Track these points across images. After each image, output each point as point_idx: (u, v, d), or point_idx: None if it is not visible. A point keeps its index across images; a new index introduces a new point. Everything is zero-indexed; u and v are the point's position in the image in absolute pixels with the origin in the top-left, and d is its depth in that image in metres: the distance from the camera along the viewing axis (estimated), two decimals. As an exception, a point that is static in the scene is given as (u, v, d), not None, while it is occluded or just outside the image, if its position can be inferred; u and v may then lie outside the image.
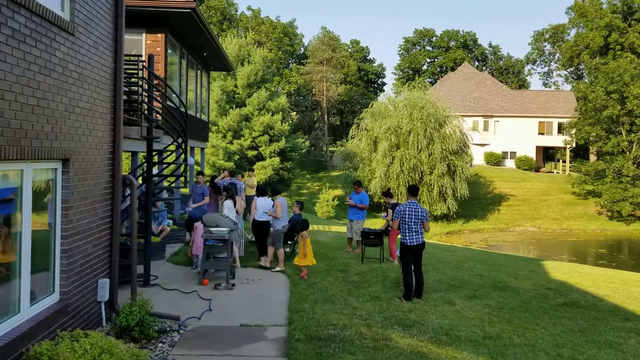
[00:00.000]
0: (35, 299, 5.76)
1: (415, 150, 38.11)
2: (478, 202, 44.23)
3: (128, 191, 9.94)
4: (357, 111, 52.32)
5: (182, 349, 6.87)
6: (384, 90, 78.33)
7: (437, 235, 36.10)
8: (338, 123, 62.83)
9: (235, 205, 12.09)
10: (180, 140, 10.48)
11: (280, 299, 9.27)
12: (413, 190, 9.98)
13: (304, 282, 10.57)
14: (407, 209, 9.62)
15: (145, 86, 9.99)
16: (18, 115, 5.05)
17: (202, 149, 21.58)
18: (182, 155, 10.73)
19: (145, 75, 10.17)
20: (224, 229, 10.12)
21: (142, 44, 14.12)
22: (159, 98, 11.06)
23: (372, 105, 42.03)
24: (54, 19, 5.69)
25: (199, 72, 19.52)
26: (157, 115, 10.75)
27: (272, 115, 31.85)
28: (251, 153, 32.26)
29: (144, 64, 9.91)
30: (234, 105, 31.42)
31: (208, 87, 21.91)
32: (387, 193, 14.16)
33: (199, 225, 11.52)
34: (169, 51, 15.03)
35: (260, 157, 32.53)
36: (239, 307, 8.81)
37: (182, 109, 11.79)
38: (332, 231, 19.34)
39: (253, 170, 19.25)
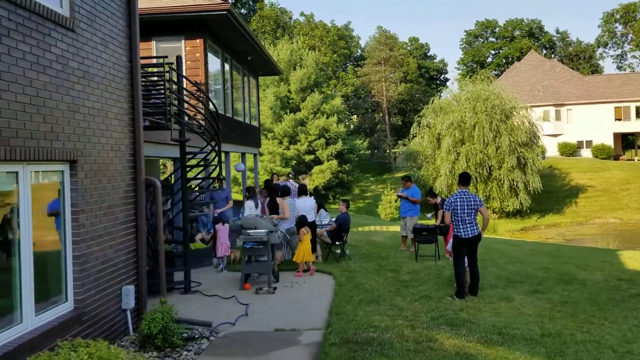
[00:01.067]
0: (43, 308, 5.49)
1: (481, 144, 36.50)
2: (554, 195, 41.85)
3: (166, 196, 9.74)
4: (419, 110, 51.13)
5: (208, 356, 6.44)
6: (446, 87, 76.38)
7: (510, 232, 34.35)
8: (400, 123, 61.60)
9: (257, 207, 11.77)
10: (213, 143, 10.13)
11: (323, 302, 8.71)
12: (464, 179, 9.16)
13: (350, 283, 9.96)
14: (457, 199, 8.84)
15: (174, 87, 9.71)
16: (4, 113, 4.78)
17: (255, 155, 21.41)
18: (216, 159, 10.37)
19: (175, 77, 9.93)
20: (263, 230, 9.68)
21: (182, 50, 14.03)
22: (190, 101, 10.77)
23: (432, 101, 40.74)
24: (48, 14, 5.43)
25: (245, 77, 19.36)
26: (190, 119, 10.44)
27: (327, 117, 31.40)
28: (308, 157, 31.93)
29: (173, 66, 9.65)
30: (288, 111, 31.23)
31: (257, 92, 21.75)
32: (431, 193, 13.29)
33: (220, 227, 11.22)
34: (210, 56, 14.89)
35: (317, 161, 32.14)
36: (277, 311, 8.33)
37: (214, 110, 11.43)
38: (389, 231, 18.58)
39: (306, 173, 18.81)
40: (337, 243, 12.29)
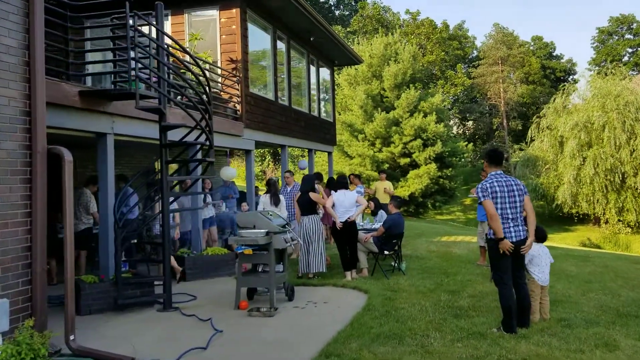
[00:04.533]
0: None
1: (612, 147, 31.15)
2: None
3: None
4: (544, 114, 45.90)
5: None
6: (576, 89, 68.99)
7: (648, 251, 28.80)
8: (520, 127, 56.05)
9: (275, 202, 9.38)
10: (204, 124, 7.72)
11: (327, 334, 6.04)
12: (495, 157, 6.15)
13: (384, 307, 7.17)
14: (495, 182, 5.87)
15: (154, 50, 7.54)
16: None
17: (329, 153, 18.98)
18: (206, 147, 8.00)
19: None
20: (261, 231, 7.20)
21: (217, 22, 12.03)
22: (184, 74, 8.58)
23: (554, 100, 35.92)
24: None
25: (313, 64, 17.07)
26: (181, 94, 8.19)
27: (425, 116, 28.18)
28: (403, 161, 28.85)
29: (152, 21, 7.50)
30: (380, 110, 28.45)
31: (333, 83, 19.37)
32: None
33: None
34: (254, 31, 12.78)
35: (414, 165, 28.97)
36: (252, 345, 5.81)
37: (203, 79, 9.07)
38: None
39: (384, 173, 16.04)
40: (385, 253, 9.48)
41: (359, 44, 33.33)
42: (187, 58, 9.33)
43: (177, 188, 9.14)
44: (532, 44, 67.17)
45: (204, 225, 11.70)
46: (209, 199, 12.24)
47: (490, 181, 5.89)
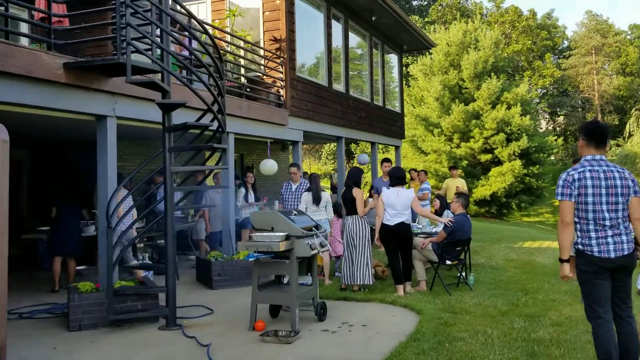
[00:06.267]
0: None
1: None
2: None
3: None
4: (644, 107, 41.48)
5: None
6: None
7: None
8: (617, 122, 51.26)
9: (316, 201, 7.95)
10: (215, 107, 6.33)
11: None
12: (595, 132, 4.08)
13: (437, 336, 5.50)
14: (588, 172, 3.97)
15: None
16: None
17: (396, 147, 17.25)
18: (218, 134, 6.58)
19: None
20: (278, 234, 5.73)
21: (259, -1, 10.73)
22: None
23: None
24: None
25: (377, 49, 15.44)
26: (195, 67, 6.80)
27: (508, 108, 25.59)
28: (484, 157, 26.36)
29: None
30: (459, 102, 26.13)
31: (401, 70, 17.61)
32: None
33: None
34: (304, 7, 11.39)
35: (496, 162, 26.41)
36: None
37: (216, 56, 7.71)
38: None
39: (456, 169, 14.17)
40: (447, 263, 7.73)
41: (435, 31, 31.13)
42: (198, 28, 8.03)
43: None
44: (629, 32, 61.58)
45: (244, 226, 10.47)
46: (251, 198, 10.99)
47: (580, 170, 3.99)
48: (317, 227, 6.31)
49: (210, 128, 6.55)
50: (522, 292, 7.57)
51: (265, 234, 5.78)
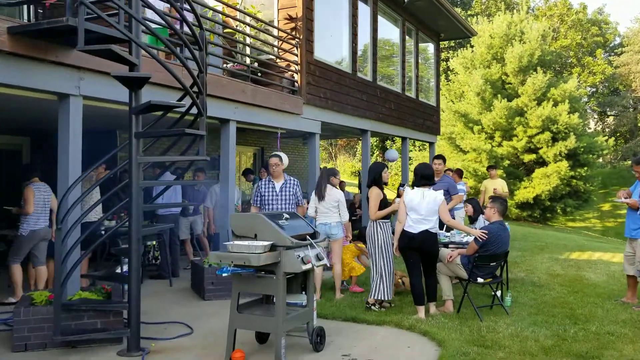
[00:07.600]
0: None
1: None
2: None
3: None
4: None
5: None
6: None
7: None
8: (671, 124, 48.20)
9: (320, 198, 6.81)
10: (193, 86, 5.20)
11: None
12: None
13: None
14: None
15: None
16: None
17: (431, 143, 15.85)
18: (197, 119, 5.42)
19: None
20: (259, 244, 4.55)
21: (275, -27, 9.57)
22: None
23: None
24: None
25: (410, 36, 14.11)
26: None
27: (555, 105, 23.71)
28: (528, 157, 24.50)
29: None
30: (501, 98, 24.36)
31: (438, 60, 16.20)
32: None
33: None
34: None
35: (541, 162, 24.54)
36: None
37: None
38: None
39: (495, 169, 12.73)
40: (479, 280, 6.41)
41: (477, 22, 29.35)
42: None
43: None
44: (688, 27, 57.94)
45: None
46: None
47: None
48: (313, 235, 5.11)
49: (191, 112, 5.43)
50: (571, 319, 6.19)
51: (244, 242, 4.62)
